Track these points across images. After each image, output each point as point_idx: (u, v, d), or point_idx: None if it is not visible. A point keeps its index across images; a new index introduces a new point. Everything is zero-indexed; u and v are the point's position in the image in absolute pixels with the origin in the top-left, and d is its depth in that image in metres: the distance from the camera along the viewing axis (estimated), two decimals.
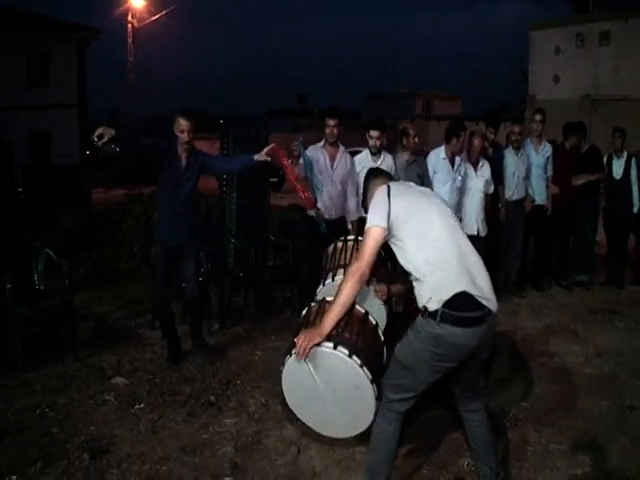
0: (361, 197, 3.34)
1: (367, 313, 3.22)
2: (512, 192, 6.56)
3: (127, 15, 29.25)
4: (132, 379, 4.32)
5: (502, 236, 6.52)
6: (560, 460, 3.35)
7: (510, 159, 6.56)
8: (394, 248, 2.83)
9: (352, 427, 3.11)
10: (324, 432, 3.23)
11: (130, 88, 30.47)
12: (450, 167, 5.72)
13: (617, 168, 7.10)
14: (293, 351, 2.97)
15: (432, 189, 5.57)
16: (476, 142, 5.94)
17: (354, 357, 2.88)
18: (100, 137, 3.79)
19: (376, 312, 3.53)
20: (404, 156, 5.64)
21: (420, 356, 2.64)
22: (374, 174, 3.22)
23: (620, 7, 20.83)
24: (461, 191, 5.80)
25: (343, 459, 3.32)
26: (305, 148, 5.04)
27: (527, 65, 24.29)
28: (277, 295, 6.47)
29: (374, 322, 3.24)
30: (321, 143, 5.35)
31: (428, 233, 2.73)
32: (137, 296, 6.34)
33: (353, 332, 3.01)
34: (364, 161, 5.46)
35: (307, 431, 3.59)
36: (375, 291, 3.87)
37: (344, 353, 2.88)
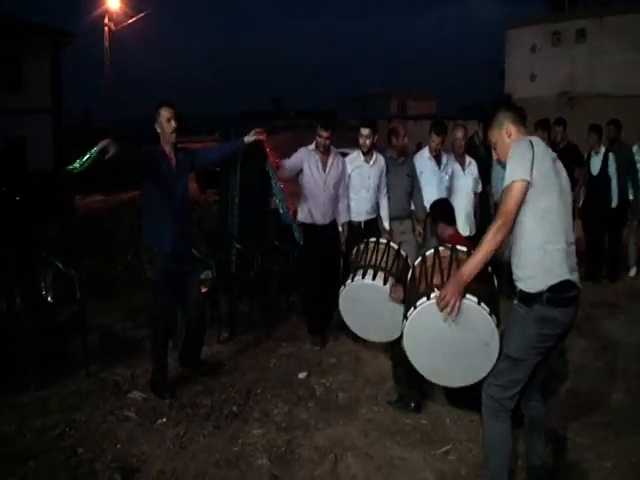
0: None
1: (491, 273, 3.15)
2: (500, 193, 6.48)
3: (104, 18, 28.77)
4: (149, 393, 4.21)
5: None
6: (590, 454, 3.41)
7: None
8: None
9: (463, 378, 3.08)
10: (434, 379, 3.20)
11: (105, 91, 29.96)
12: (436, 166, 5.66)
13: (595, 164, 7.16)
14: (432, 296, 2.91)
15: (420, 190, 5.58)
16: (458, 134, 5.79)
17: (493, 316, 2.88)
18: (103, 151, 3.54)
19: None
20: (394, 156, 5.54)
21: (529, 343, 2.70)
22: (506, 108, 3.00)
23: (595, 5, 21.21)
24: (450, 191, 5.73)
25: (383, 465, 3.30)
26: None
27: (503, 64, 24.52)
28: (280, 301, 6.41)
29: (495, 282, 3.17)
30: (312, 146, 5.20)
31: (552, 213, 2.69)
32: (138, 305, 6.13)
33: (485, 290, 2.97)
34: (356, 161, 5.36)
35: (339, 438, 3.58)
36: (391, 293, 3.82)
37: (486, 310, 2.86)
